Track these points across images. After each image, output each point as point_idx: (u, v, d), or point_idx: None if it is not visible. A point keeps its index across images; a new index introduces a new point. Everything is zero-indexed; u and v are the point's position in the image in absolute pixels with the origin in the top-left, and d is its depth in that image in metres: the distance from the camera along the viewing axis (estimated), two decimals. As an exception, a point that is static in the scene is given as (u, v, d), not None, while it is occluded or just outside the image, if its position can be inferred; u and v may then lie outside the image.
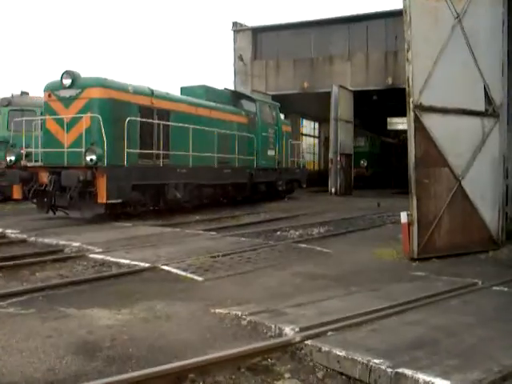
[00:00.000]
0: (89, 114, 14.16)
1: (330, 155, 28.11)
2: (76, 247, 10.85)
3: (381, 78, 29.36)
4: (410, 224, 10.14)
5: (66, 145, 14.46)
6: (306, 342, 5.24)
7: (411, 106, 10.02)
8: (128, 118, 14.67)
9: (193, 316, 6.34)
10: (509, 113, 12.02)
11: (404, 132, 48.38)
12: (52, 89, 15.02)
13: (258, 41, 32.34)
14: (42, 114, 16.19)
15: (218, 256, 9.84)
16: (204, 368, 4.63)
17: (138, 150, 15.42)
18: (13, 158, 15.21)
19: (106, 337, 5.56)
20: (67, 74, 14.60)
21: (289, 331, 5.56)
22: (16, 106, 22.58)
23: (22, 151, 15.62)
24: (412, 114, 10.03)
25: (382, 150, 41.95)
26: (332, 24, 30.78)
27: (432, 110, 10.26)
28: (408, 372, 4.49)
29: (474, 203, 10.84)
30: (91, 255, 10.00)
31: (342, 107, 28.35)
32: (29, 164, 15.32)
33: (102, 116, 14.07)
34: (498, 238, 11.30)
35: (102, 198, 13.72)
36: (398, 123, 57.00)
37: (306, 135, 43.32)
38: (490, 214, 11.14)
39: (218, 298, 7.11)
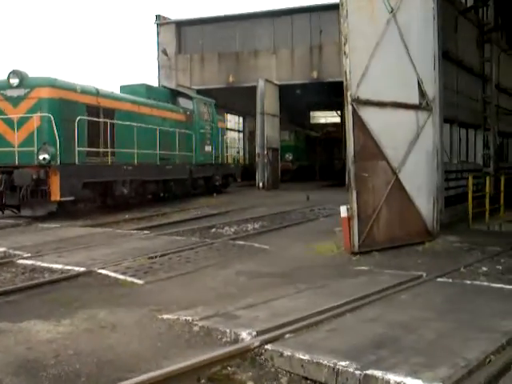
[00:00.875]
0: (39, 114, 14.25)
1: (257, 149, 28.01)
2: (1, 252, 10.19)
3: (306, 72, 29.47)
4: (349, 218, 10.09)
5: (16, 144, 14.44)
6: (265, 347, 4.99)
7: (349, 99, 9.95)
8: (78, 118, 14.93)
9: (139, 324, 5.96)
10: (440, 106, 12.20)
11: (327, 126, 49.27)
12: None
13: (182, 34, 31.73)
14: None
15: (156, 257, 9.46)
16: (162, 383, 4.29)
17: (87, 148, 15.63)
18: None
19: (48, 353, 5.09)
20: (14, 73, 14.53)
21: (246, 336, 5.29)
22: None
23: None
24: (350, 107, 9.97)
25: (306, 143, 42.32)
26: (257, 18, 30.60)
27: (369, 103, 10.24)
28: (377, 373, 4.33)
29: (411, 196, 10.94)
30: (20, 261, 9.37)
31: (268, 101, 28.31)
32: None
33: (52, 115, 14.15)
34: (433, 230, 11.47)
35: (56, 196, 13.98)
36: (321, 117, 57.83)
37: (230, 130, 43.08)
38: (425, 206, 11.29)
39: (162, 303, 6.76)
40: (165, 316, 6.09)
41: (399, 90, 10.85)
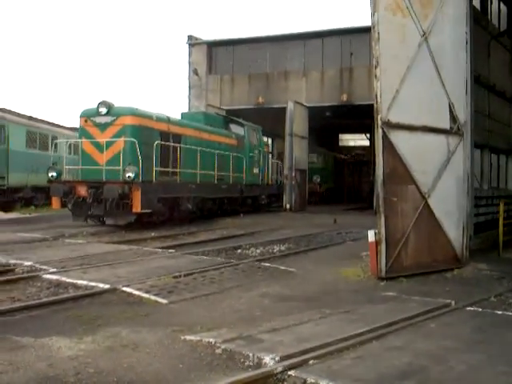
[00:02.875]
0: (124, 138, 16.50)
1: (285, 171, 27.88)
2: (28, 266, 10.24)
3: (336, 95, 29.41)
4: (377, 243, 9.93)
5: (103, 164, 16.56)
6: (288, 373, 4.89)
7: (379, 122, 9.85)
8: (156, 142, 17.20)
9: (162, 344, 5.89)
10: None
11: (356, 148, 49.00)
12: (88, 115, 17.24)
13: (214, 55, 31.98)
14: (79, 137, 18.03)
15: (180, 276, 9.41)
16: (182, 405, 4.22)
17: (160, 168, 17.64)
18: (54, 174, 17.33)
19: (68, 370, 5.06)
20: (103, 103, 16.88)
21: (269, 360, 5.19)
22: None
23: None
24: (380, 130, 9.86)
25: (334, 166, 42.15)
26: (288, 40, 30.69)
27: (399, 126, 10.13)
28: (403, 406, 4.20)
29: (440, 221, 10.75)
30: (45, 275, 9.40)
31: (297, 123, 28.24)
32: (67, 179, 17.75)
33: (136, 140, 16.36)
34: (462, 257, 11.23)
35: (137, 208, 15.94)
36: (350, 139, 57.66)
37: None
38: (454, 232, 11.07)
39: (185, 323, 6.69)
40: (187, 337, 6.02)
41: (430, 114, 10.71)
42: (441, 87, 10.78)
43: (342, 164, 44.79)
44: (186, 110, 31.15)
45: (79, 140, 17.65)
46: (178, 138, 19.04)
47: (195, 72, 31.07)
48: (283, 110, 28.29)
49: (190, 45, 31.78)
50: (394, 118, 10.02)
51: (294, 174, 27.77)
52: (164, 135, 18.19)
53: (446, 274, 10.58)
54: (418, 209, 10.39)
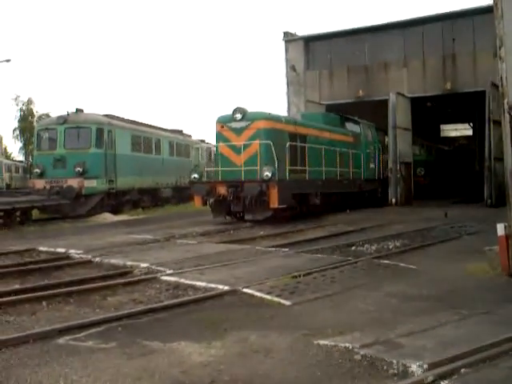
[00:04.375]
0: (259, 141, 17.95)
1: (390, 164, 27.04)
2: (145, 268, 10.29)
3: (438, 84, 28.26)
4: (508, 237, 9.21)
5: (239, 164, 18.27)
6: (441, 383, 4.45)
7: (506, 107, 9.11)
8: (288, 143, 18.76)
9: (294, 349, 5.60)
10: None
11: (458, 139, 46.97)
12: (224, 121, 18.95)
13: (311, 50, 31.58)
14: (216, 141, 19.71)
15: (300, 276, 9.10)
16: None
17: (291, 167, 18.99)
18: (196, 176, 19.36)
19: (203, 377, 4.87)
20: (238, 110, 18.48)
21: (416, 368, 4.77)
22: (72, 124, 22.82)
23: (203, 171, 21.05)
24: (507, 115, 9.12)
25: (437, 157, 40.60)
26: (386, 30, 29.83)
27: (528, 111, 9.34)
28: None
29: None
30: (163, 277, 9.39)
31: (400, 115, 27.33)
32: (207, 180, 19.80)
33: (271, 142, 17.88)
34: None
35: (274, 204, 17.26)
36: (451, 130, 55.54)
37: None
38: None
39: (314, 326, 6.37)
40: (321, 341, 5.69)
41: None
42: None
43: (445, 155, 43.08)
44: (285, 107, 31.03)
45: (216, 144, 19.51)
46: (303, 138, 20.46)
47: (293, 68, 30.83)
48: (382, 102, 27.50)
49: (286, 41, 31.59)
50: (521, 102, 9.25)
51: (398, 167, 26.90)
52: (292, 136, 19.60)
53: None
54: (550, 199, 9.56)
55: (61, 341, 6.02)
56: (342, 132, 24.69)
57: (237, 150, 18.42)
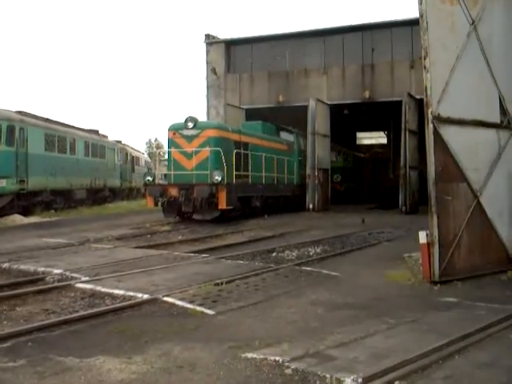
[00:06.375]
0: (209, 148, 19.61)
1: (308, 170, 27.22)
2: (58, 275, 9.70)
3: (357, 92, 28.72)
4: (429, 244, 9.32)
5: (190, 169, 19.79)
6: (376, 398, 4.30)
7: (430, 117, 9.25)
8: (234, 150, 20.69)
9: (221, 363, 5.30)
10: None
11: (374, 146, 47.94)
12: (176, 129, 20.45)
13: (232, 53, 31.36)
14: (168, 147, 21.27)
15: (222, 283, 8.83)
16: None
17: (237, 172, 20.68)
18: (150, 179, 20.53)
19: (126, 398, 4.50)
20: (190, 119, 20.01)
21: (350, 383, 4.60)
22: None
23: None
24: (431, 125, 9.25)
25: (354, 165, 41.42)
26: (307, 37, 30.00)
27: (450, 121, 9.53)
28: None
29: (492, 221, 10.13)
30: (78, 285, 8.87)
31: (319, 121, 27.54)
32: (161, 182, 21.58)
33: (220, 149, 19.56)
34: (516, 257, 10.57)
35: (223, 205, 18.96)
36: (366, 138, 56.81)
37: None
38: (506, 231, 10.43)
39: (241, 338, 6.11)
40: (249, 355, 5.43)
41: (479, 108, 10.10)
42: (491, 79, 10.18)
43: (362, 162, 44.06)
44: (204, 109, 30.71)
45: (168, 149, 21.06)
46: (246, 145, 22.24)
47: (213, 71, 30.51)
48: (303, 108, 27.66)
49: (207, 44, 31.21)
50: (444, 112, 9.43)
51: (316, 174, 27.12)
52: (237, 144, 21.44)
53: (500, 276, 9.98)
54: (470, 208, 9.79)
55: (-39, 358, 5.47)
56: (278, 141, 26.72)
57: (188, 155, 19.91)
